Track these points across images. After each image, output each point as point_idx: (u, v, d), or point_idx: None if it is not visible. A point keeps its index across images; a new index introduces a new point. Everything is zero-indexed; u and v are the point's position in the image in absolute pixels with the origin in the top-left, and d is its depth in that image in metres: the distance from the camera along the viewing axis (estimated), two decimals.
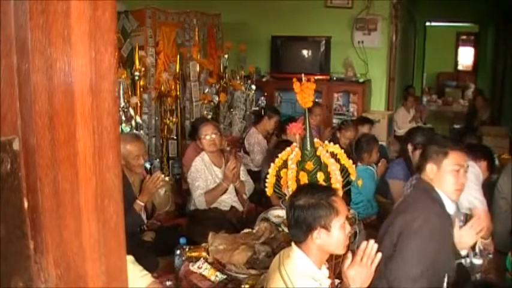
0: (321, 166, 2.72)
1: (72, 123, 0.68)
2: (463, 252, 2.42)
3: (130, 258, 2.13)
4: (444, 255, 2.28)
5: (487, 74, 11.00)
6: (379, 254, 1.88)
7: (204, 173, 3.74)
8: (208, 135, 3.74)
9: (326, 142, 2.91)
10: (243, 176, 3.95)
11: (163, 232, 3.54)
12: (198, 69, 5.05)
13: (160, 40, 4.77)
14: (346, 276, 1.87)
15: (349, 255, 1.90)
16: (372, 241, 1.88)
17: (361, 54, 6.45)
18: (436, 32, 12.79)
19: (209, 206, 3.70)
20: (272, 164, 2.85)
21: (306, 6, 6.45)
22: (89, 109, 0.69)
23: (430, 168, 2.37)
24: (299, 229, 1.93)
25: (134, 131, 4.10)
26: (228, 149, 4.20)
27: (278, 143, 4.60)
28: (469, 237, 2.33)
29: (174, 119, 4.77)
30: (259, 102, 5.98)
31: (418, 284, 2.18)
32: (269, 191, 2.87)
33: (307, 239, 1.92)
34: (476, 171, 3.12)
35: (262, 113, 5.36)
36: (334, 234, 1.91)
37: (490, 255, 2.93)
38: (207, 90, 5.15)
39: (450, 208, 2.39)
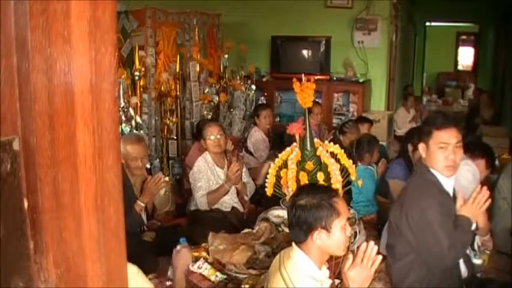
0: (321, 166, 2.72)
1: (72, 123, 0.68)
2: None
3: (135, 269, 2.10)
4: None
5: (487, 74, 10.99)
6: (380, 256, 1.88)
7: (207, 173, 3.74)
8: (213, 136, 3.74)
9: (326, 142, 2.91)
10: (245, 177, 3.95)
11: (163, 232, 3.54)
12: (198, 69, 5.05)
13: (160, 40, 4.77)
14: (346, 277, 1.87)
15: (350, 256, 1.90)
16: (371, 243, 1.88)
17: (361, 54, 6.45)
18: (436, 32, 12.79)
19: (210, 207, 3.71)
20: (272, 164, 2.85)
21: (306, 6, 6.45)
22: (89, 109, 0.69)
23: (421, 147, 2.44)
24: (299, 229, 1.93)
25: (134, 131, 4.09)
26: (231, 149, 4.20)
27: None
28: (471, 213, 2.36)
29: (174, 119, 4.77)
30: (259, 102, 5.98)
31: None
32: (269, 191, 2.87)
33: (308, 239, 1.92)
34: (473, 170, 3.11)
35: (253, 115, 5.38)
36: (334, 236, 1.91)
37: (488, 252, 2.93)
38: (207, 90, 5.15)
39: (448, 185, 2.42)
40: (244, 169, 3.97)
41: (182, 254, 2.69)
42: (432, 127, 2.38)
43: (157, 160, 4.67)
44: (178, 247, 2.78)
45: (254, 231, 3.10)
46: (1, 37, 0.62)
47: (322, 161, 2.71)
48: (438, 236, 2.26)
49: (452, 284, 2.42)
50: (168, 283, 2.94)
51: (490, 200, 2.36)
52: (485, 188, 2.36)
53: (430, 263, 2.36)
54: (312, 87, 2.71)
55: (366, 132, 4.89)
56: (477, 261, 2.82)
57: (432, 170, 2.41)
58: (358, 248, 1.96)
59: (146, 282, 2.12)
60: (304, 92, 2.71)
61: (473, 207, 2.34)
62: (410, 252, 2.40)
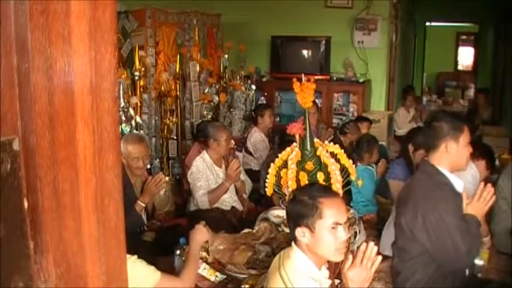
0: (321, 166, 2.72)
1: (72, 123, 0.68)
2: None
3: (133, 258, 2.13)
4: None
5: (487, 74, 10.98)
6: (379, 257, 1.87)
7: (206, 172, 3.76)
8: (227, 139, 3.83)
9: (326, 142, 2.91)
10: (242, 175, 3.98)
11: (163, 232, 3.53)
12: (198, 69, 5.05)
13: (160, 40, 4.77)
14: (346, 277, 1.86)
15: (350, 256, 1.89)
16: (371, 243, 1.87)
17: (361, 54, 6.45)
18: (436, 32, 12.77)
19: (211, 206, 3.72)
20: (272, 164, 2.85)
21: (306, 6, 6.45)
22: (89, 109, 0.69)
23: (445, 146, 2.38)
24: (288, 223, 1.99)
25: (134, 131, 4.09)
26: (232, 147, 4.26)
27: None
28: (477, 211, 2.36)
29: (174, 119, 4.76)
30: (259, 102, 5.97)
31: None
32: (269, 190, 2.87)
33: (295, 236, 1.93)
34: (473, 171, 3.11)
35: (253, 114, 5.39)
36: (319, 236, 1.88)
37: (486, 250, 2.93)
38: (207, 90, 5.15)
39: (458, 185, 2.43)
40: (240, 167, 4.01)
41: (199, 230, 2.64)
42: (463, 124, 2.41)
43: (157, 160, 4.67)
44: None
45: (254, 231, 3.09)
46: (1, 37, 0.62)
47: (322, 161, 2.70)
48: (456, 240, 2.27)
49: (455, 284, 2.42)
50: None
51: (494, 197, 2.38)
52: (489, 184, 2.36)
53: (445, 265, 2.36)
54: (312, 87, 2.71)
55: (366, 132, 4.90)
56: (477, 261, 2.82)
57: (442, 171, 2.39)
58: (358, 248, 1.95)
59: (146, 267, 2.15)
60: (304, 92, 2.71)
61: (478, 204, 2.35)
62: (423, 253, 2.39)
